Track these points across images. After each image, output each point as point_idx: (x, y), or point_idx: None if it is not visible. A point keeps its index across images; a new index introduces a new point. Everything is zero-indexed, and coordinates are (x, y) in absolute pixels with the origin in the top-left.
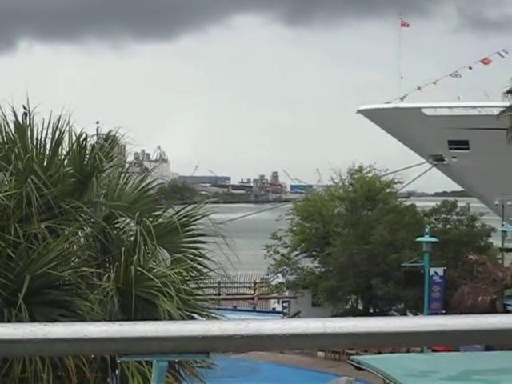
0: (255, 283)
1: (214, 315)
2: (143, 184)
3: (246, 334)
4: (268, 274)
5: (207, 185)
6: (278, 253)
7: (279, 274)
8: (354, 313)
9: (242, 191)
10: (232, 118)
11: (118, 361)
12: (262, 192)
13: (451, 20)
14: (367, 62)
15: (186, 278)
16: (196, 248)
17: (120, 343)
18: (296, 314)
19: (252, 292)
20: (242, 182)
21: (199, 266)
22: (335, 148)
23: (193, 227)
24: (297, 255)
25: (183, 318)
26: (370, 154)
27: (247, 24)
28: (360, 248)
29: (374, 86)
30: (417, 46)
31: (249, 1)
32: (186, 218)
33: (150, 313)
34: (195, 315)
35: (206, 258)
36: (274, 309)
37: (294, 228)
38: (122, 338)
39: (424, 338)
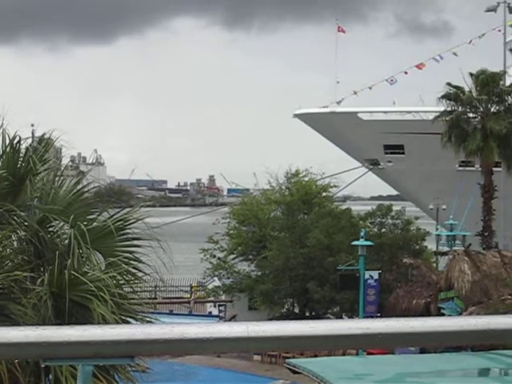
0: (192, 287)
1: (148, 319)
2: (78, 187)
3: (170, 338)
4: (204, 278)
5: (144, 188)
6: (214, 256)
7: (216, 278)
8: (291, 316)
9: (179, 195)
10: (170, 121)
11: (42, 365)
12: (198, 195)
13: (390, 25)
14: (305, 66)
15: (120, 281)
16: (131, 252)
17: (43, 348)
18: (232, 318)
19: (188, 296)
20: (178, 185)
21: (134, 270)
22: (272, 152)
23: (128, 231)
24: (233, 259)
25: (117, 323)
26: (307, 158)
27: (186, 27)
28: (296, 252)
29: (311, 90)
30: (354, 51)
31: (188, 4)
32: (121, 222)
33: (85, 317)
34: (130, 319)
35: (140, 261)
36: (210, 312)
37: (231, 232)
38: (45, 342)
39: (347, 342)
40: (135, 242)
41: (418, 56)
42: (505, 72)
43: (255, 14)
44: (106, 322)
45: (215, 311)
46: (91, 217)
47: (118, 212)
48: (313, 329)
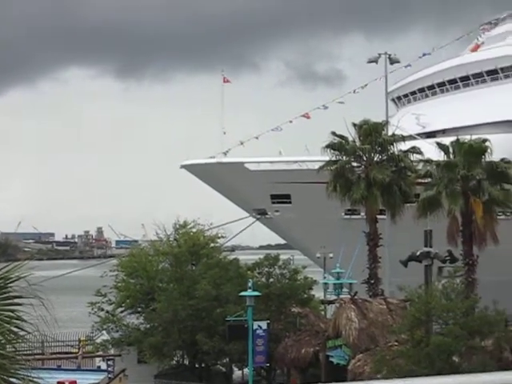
0: (80, 341)
1: (30, 379)
2: None
3: None
4: (93, 332)
5: (31, 241)
6: (102, 310)
7: (104, 332)
8: (181, 368)
9: (67, 247)
10: (57, 173)
11: None
12: (86, 248)
13: (281, 74)
14: (195, 116)
15: (2, 341)
16: (12, 310)
17: None
18: (121, 372)
19: (77, 350)
20: (66, 237)
21: (16, 329)
22: (161, 203)
23: (9, 289)
24: (122, 312)
25: None
26: (195, 209)
27: (77, 76)
28: (184, 303)
29: (200, 140)
30: (245, 101)
31: (79, 53)
32: (2, 280)
33: None
34: (13, 379)
35: (23, 320)
36: (99, 367)
37: (119, 284)
38: None
39: None
40: (17, 301)
41: (311, 104)
42: (387, 122)
43: (148, 63)
44: None
45: (104, 365)
46: None
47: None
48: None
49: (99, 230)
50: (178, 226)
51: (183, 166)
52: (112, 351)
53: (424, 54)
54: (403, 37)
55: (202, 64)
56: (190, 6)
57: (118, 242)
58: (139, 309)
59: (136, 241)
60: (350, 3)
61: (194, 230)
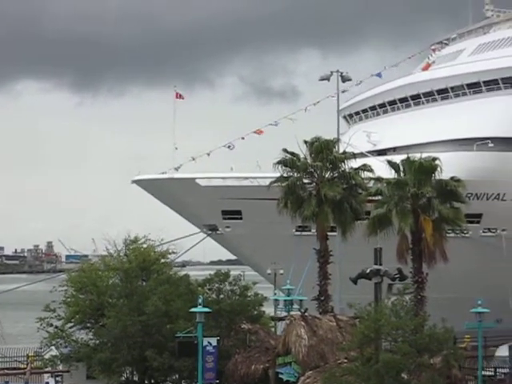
0: (28, 357)
1: None
2: None
3: None
4: (41, 348)
5: None
6: (51, 325)
7: (53, 347)
8: None
9: (16, 261)
10: (8, 187)
11: None
12: (36, 262)
13: (236, 89)
14: (147, 131)
15: None
16: None
17: None
18: None
19: (25, 366)
20: (15, 252)
21: None
22: (112, 218)
23: None
24: (71, 327)
25: None
26: (146, 224)
27: (31, 89)
28: (134, 319)
29: (153, 155)
30: (199, 116)
31: (33, 66)
32: None
33: None
34: None
35: None
36: (47, 383)
37: (68, 299)
38: None
39: None
40: None
41: (266, 119)
42: (338, 139)
43: (103, 77)
44: None
45: (52, 382)
46: None
47: None
48: None
49: (49, 245)
50: (128, 242)
51: (134, 182)
52: (61, 367)
53: (376, 74)
54: (358, 54)
55: (157, 79)
56: (145, 19)
57: (68, 257)
58: (88, 324)
59: (86, 255)
60: (305, 20)
61: (145, 246)
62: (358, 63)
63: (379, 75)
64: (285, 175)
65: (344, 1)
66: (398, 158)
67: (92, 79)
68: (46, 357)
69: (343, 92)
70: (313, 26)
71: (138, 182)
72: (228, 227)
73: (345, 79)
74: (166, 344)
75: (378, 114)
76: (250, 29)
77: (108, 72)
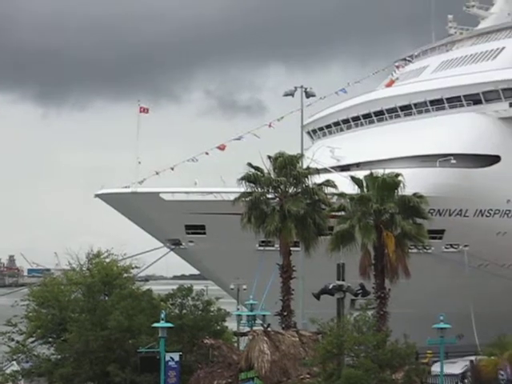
0: None
1: None
2: None
3: None
4: (2, 362)
5: None
6: (12, 340)
7: (14, 362)
8: None
9: None
10: None
11: None
12: None
13: (201, 103)
14: (112, 145)
15: None
16: None
17: None
18: None
19: None
20: None
21: None
22: (75, 232)
23: None
24: (32, 342)
25: None
26: (109, 239)
27: None
28: (96, 334)
29: (117, 169)
30: (164, 131)
31: None
32: None
33: None
34: None
35: None
36: None
37: (30, 314)
38: None
39: None
40: None
41: (231, 134)
42: (302, 154)
43: (68, 89)
44: None
45: None
46: None
47: None
48: None
49: (11, 259)
50: (91, 256)
51: (97, 195)
52: (22, 382)
53: (341, 90)
54: (325, 69)
55: (123, 92)
56: (111, 32)
57: (30, 271)
58: (50, 339)
59: (48, 270)
60: (271, 35)
61: (108, 260)
62: (326, 78)
63: (344, 91)
64: (248, 190)
65: (311, 16)
66: (361, 174)
67: (57, 91)
68: (7, 372)
69: (307, 106)
70: (279, 41)
71: (101, 196)
72: (191, 242)
73: (309, 95)
74: (129, 359)
75: (341, 130)
76: (216, 43)
77: (73, 85)
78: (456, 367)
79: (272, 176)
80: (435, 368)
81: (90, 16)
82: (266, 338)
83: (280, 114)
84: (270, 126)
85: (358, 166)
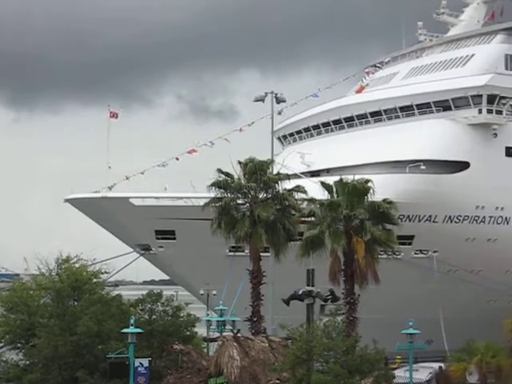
0: None
1: None
2: None
3: None
4: None
5: None
6: None
7: None
8: None
9: None
10: None
11: None
12: None
13: (174, 108)
14: (82, 149)
15: None
16: None
17: None
18: None
19: None
20: None
21: None
22: (44, 237)
23: None
24: (1, 347)
25: None
26: (79, 244)
27: None
28: (66, 339)
29: (87, 174)
30: (135, 136)
31: None
32: None
33: None
34: None
35: None
36: None
37: None
38: None
39: None
40: None
41: (203, 138)
42: (272, 160)
43: (40, 93)
44: None
45: None
46: None
47: None
48: None
49: None
50: (60, 261)
51: (67, 200)
52: None
53: (312, 95)
54: (298, 75)
55: (95, 97)
56: (82, 35)
57: None
58: (19, 344)
59: (17, 274)
60: (245, 39)
61: (77, 265)
62: (299, 84)
63: (315, 95)
64: (218, 196)
65: (285, 22)
66: (331, 180)
67: (29, 95)
68: None
69: (279, 112)
70: (254, 46)
71: (71, 201)
72: (161, 247)
73: (279, 100)
74: (98, 365)
75: (312, 136)
76: (190, 47)
77: (45, 88)
78: (420, 374)
79: (242, 182)
80: (398, 373)
81: (57, 16)
82: (235, 344)
83: (252, 119)
84: (240, 130)
85: (328, 171)
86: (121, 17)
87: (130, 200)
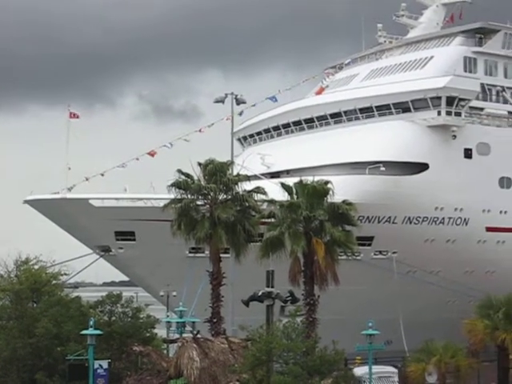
0: None
1: None
2: None
3: None
4: None
5: None
6: None
7: None
8: None
9: None
10: None
11: None
12: None
13: (136, 108)
14: (42, 150)
15: None
16: None
17: None
18: None
19: None
20: None
21: None
22: (2, 238)
23: None
24: None
25: None
26: (38, 245)
27: None
28: (24, 341)
29: (46, 175)
30: (95, 136)
31: None
32: None
33: None
34: None
35: None
36: None
37: None
38: None
39: None
40: None
41: (164, 139)
42: (232, 161)
43: (4, 93)
44: None
45: None
46: None
47: None
48: None
49: None
50: (19, 262)
51: (26, 201)
52: None
53: (271, 98)
54: (262, 76)
55: (57, 97)
56: (45, 36)
57: None
58: None
59: None
60: (209, 40)
61: (36, 267)
62: (263, 85)
63: (274, 99)
64: (178, 197)
65: (250, 22)
66: (291, 181)
67: None
68: None
69: (240, 115)
70: (218, 47)
71: (30, 202)
72: (121, 248)
73: (239, 101)
74: (57, 367)
75: (272, 137)
76: (153, 47)
77: (9, 88)
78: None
79: (202, 183)
80: (357, 370)
81: (18, 8)
82: (195, 345)
83: (215, 120)
84: (200, 131)
85: (288, 172)
86: (86, 14)
87: (90, 201)
